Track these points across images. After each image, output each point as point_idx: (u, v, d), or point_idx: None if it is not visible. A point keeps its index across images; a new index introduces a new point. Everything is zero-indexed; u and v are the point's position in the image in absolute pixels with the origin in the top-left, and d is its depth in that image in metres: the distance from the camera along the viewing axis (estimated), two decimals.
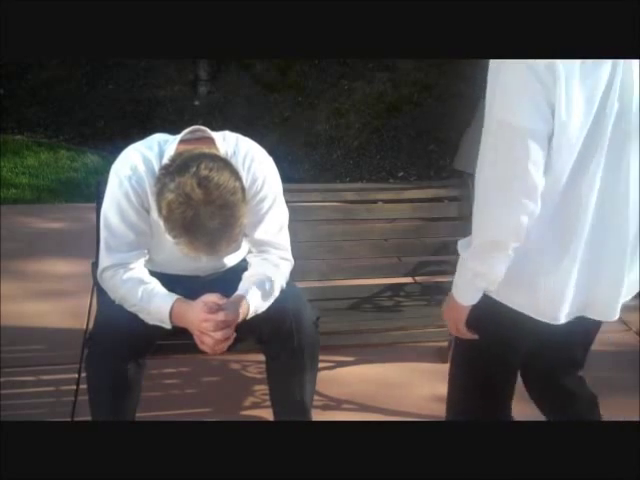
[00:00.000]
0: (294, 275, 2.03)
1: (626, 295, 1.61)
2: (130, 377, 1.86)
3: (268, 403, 2.10)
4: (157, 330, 1.83)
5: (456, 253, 1.50)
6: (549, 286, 1.47)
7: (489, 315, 1.52)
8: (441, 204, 2.71)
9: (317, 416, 2.22)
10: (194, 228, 1.60)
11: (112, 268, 1.85)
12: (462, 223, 2.54)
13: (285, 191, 1.99)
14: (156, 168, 1.77)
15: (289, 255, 2.00)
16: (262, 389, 2.50)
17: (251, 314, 1.85)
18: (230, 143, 1.88)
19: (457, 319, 1.55)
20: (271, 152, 1.96)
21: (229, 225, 1.62)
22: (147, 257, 1.93)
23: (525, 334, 1.57)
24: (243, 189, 1.67)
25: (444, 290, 2.21)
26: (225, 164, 1.66)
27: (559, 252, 1.44)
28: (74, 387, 2.49)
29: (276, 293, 1.91)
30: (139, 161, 1.81)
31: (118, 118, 5.93)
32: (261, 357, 2.04)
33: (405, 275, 2.69)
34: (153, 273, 1.92)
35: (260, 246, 1.97)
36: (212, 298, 1.78)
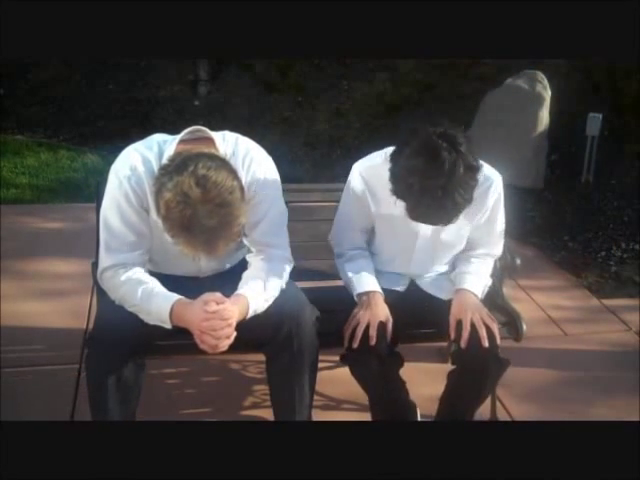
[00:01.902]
0: (294, 275, 2.03)
1: None
2: (130, 377, 1.85)
3: (268, 403, 2.10)
4: (157, 330, 1.83)
5: None
6: None
7: None
8: None
9: (317, 416, 2.22)
10: (192, 227, 1.60)
11: (112, 268, 1.85)
12: None
13: (285, 191, 1.99)
14: (155, 168, 1.77)
15: (289, 255, 2.00)
16: (262, 389, 2.50)
17: (251, 314, 1.85)
18: (230, 143, 1.88)
19: (482, 307, 2.05)
20: (271, 152, 1.96)
21: (227, 224, 1.62)
22: (147, 257, 1.93)
23: None
24: (241, 188, 1.66)
25: None
26: (223, 163, 1.66)
27: None
28: (74, 387, 2.49)
29: (276, 293, 1.91)
30: (138, 161, 1.81)
31: (118, 118, 5.93)
32: (261, 357, 2.04)
33: None
34: (153, 274, 1.92)
35: (260, 246, 1.97)
36: (212, 298, 1.78)
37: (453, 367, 2.12)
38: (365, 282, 2.09)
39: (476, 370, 2.02)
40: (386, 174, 1.85)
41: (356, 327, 1.99)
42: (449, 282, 2.19)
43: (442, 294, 2.18)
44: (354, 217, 2.14)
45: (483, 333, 1.97)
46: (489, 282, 2.18)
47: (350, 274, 2.12)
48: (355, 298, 2.08)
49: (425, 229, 2.06)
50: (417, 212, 1.82)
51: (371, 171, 2.03)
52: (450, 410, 2.13)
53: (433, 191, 1.73)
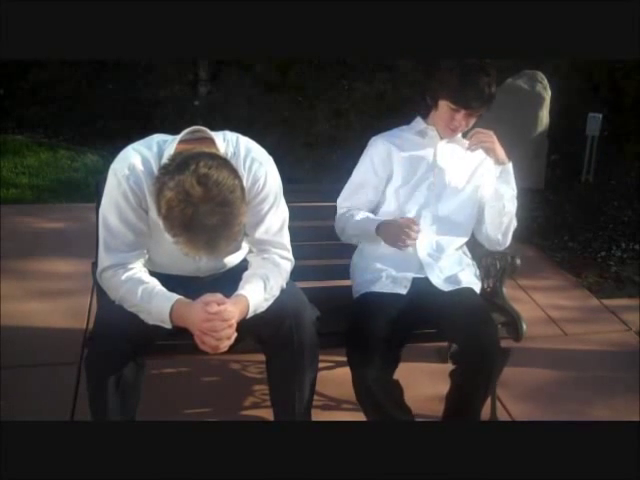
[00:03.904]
0: (294, 275, 2.03)
1: None
2: (130, 377, 1.85)
3: (268, 403, 2.10)
4: (157, 330, 1.83)
5: None
6: None
7: None
8: None
9: (317, 416, 2.22)
10: (194, 226, 1.59)
11: (112, 268, 1.85)
12: None
13: (285, 191, 1.99)
14: (154, 168, 1.77)
15: (290, 255, 2.00)
16: (262, 389, 2.50)
17: (251, 314, 1.85)
18: (230, 143, 1.88)
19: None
20: (271, 152, 1.96)
21: (228, 223, 1.62)
22: (147, 257, 1.93)
23: None
24: (242, 188, 1.66)
25: None
26: (224, 162, 1.66)
27: None
28: (74, 387, 2.49)
29: (276, 293, 1.91)
30: (138, 161, 1.81)
31: (118, 118, 5.93)
32: (261, 357, 2.04)
33: None
34: (153, 274, 1.92)
35: (261, 246, 1.97)
36: (213, 299, 1.78)
37: (454, 366, 2.12)
38: (374, 219, 2.23)
39: (480, 364, 2.02)
40: (406, 135, 2.29)
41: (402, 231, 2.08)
42: (457, 277, 2.22)
43: (447, 286, 2.20)
44: (370, 182, 2.29)
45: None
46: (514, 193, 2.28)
47: (358, 221, 2.25)
48: (374, 232, 2.18)
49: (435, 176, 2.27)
50: None
51: (392, 135, 2.32)
52: (458, 408, 2.12)
53: None
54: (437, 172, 2.27)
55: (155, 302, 1.80)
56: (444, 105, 2.19)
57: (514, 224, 2.30)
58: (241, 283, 1.89)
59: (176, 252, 1.71)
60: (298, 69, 6.17)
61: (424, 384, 2.52)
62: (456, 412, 2.13)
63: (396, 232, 2.09)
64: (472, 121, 2.24)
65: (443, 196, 2.28)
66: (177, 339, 1.90)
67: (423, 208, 2.27)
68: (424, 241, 2.26)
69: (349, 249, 2.46)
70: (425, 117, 2.32)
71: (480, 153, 2.30)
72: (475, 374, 2.04)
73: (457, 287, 2.20)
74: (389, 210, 2.29)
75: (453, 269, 2.26)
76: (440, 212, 2.28)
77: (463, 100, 2.14)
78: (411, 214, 2.26)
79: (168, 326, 1.81)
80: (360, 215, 2.27)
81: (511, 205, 2.27)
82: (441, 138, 2.28)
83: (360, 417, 2.40)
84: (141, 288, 1.81)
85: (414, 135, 2.31)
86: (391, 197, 2.29)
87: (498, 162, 2.25)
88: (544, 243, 4.11)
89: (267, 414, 2.25)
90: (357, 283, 2.29)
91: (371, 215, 2.27)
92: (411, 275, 2.22)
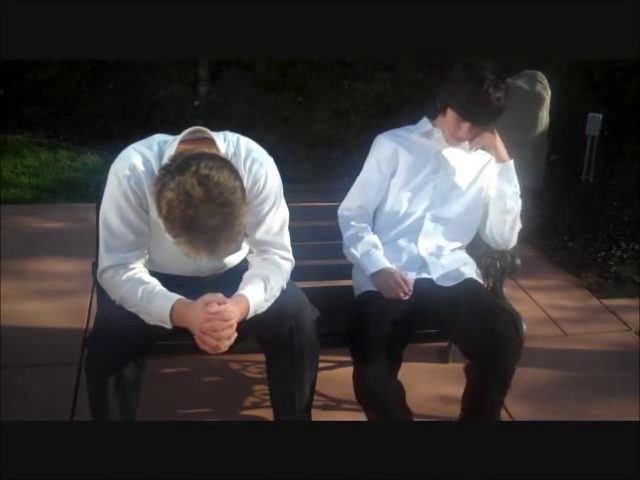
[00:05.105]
0: (294, 275, 2.03)
1: None
2: (130, 377, 1.86)
3: (268, 403, 2.10)
4: (157, 330, 1.83)
5: None
6: None
7: None
8: None
9: (317, 416, 2.22)
10: (194, 227, 1.60)
11: (112, 268, 1.85)
12: None
13: (285, 191, 1.99)
14: (155, 169, 1.77)
15: (290, 255, 2.00)
16: (262, 389, 2.50)
17: (251, 314, 1.85)
18: (231, 144, 1.88)
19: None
20: (271, 152, 1.96)
21: (229, 224, 1.62)
22: (147, 257, 1.93)
23: None
24: (243, 188, 1.67)
25: None
26: (225, 163, 1.66)
27: None
28: (74, 387, 2.49)
29: (277, 293, 1.91)
30: (138, 161, 1.81)
31: (118, 118, 5.93)
32: (261, 357, 2.04)
33: None
34: (153, 274, 1.92)
35: (261, 246, 1.97)
36: (213, 299, 1.78)
37: (474, 365, 2.08)
38: (374, 261, 2.20)
39: (501, 353, 2.00)
40: (412, 135, 2.28)
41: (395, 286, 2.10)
42: (459, 271, 2.23)
43: (449, 282, 2.20)
44: (374, 179, 2.29)
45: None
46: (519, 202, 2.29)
47: (359, 255, 2.23)
48: (369, 278, 2.18)
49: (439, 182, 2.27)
50: None
51: (398, 135, 2.31)
52: (480, 409, 2.10)
53: None
54: (442, 174, 2.27)
55: (155, 302, 1.80)
56: (451, 114, 2.18)
57: (519, 223, 2.30)
58: (242, 284, 1.89)
59: (177, 252, 1.71)
60: (298, 69, 6.17)
61: (424, 384, 2.52)
62: (478, 409, 2.10)
63: (390, 285, 2.12)
64: (478, 133, 2.23)
65: (448, 198, 2.28)
66: (177, 339, 1.90)
67: (428, 209, 2.27)
68: (427, 241, 2.26)
69: None
70: (432, 117, 2.31)
71: (485, 154, 2.30)
72: (497, 365, 2.00)
73: (459, 281, 2.19)
74: (393, 210, 2.29)
75: (455, 265, 2.26)
76: (445, 214, 2.28)
77: (471, 115, 2.14)
78: (416, 215, 2.26)
79: (168, 326, 1.81)
80: (363, 243, 2.25)
81: (513, 203, 2.26)
82: (446, 141, 2.27)
83: (360, 417, 2.40)
84: (141, 288, 1.82)
85: (420, 136, 2.30)
86: (395, 196, 2.28)
87: (499, 159, 2.25)
88: (544, 243, 4.11)
89: (267, 414, 2.25)
90: (358, 281, 2.29)
91: (373, 250, 2.23)
92: (413, 274, 2.22)
